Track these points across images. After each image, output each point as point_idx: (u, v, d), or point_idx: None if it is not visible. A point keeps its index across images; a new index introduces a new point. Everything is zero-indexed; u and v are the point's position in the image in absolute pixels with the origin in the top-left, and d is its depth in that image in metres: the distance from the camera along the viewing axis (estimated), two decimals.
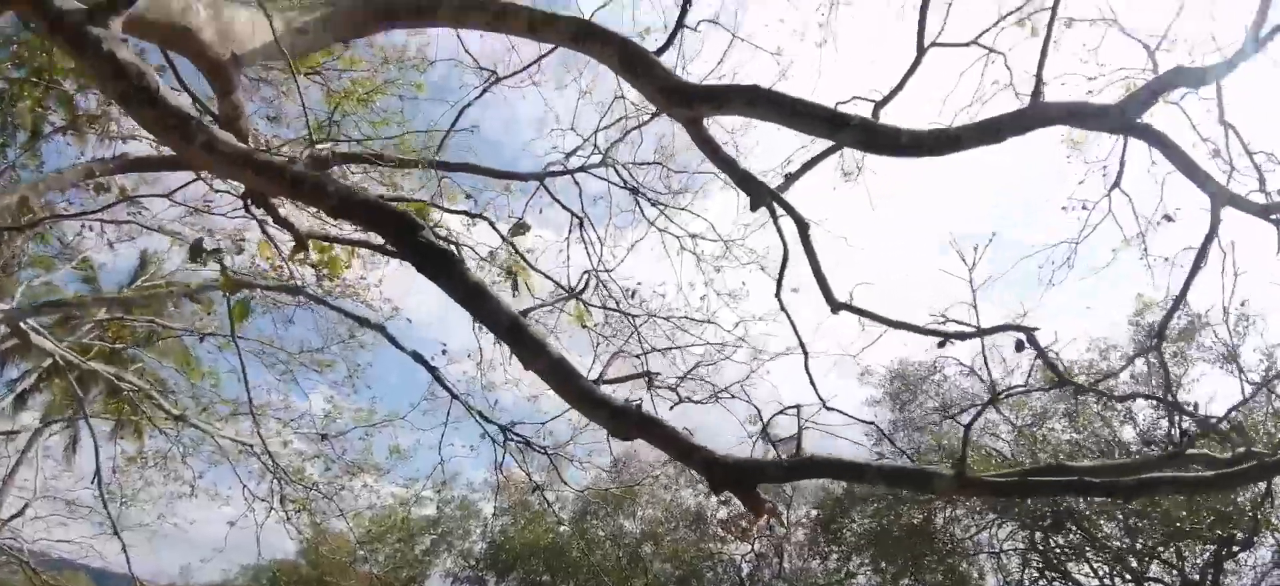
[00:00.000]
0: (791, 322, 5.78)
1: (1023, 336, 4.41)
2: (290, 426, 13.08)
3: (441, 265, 2.70)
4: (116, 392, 12.54)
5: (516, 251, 7.09)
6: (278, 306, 12.71)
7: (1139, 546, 15.15)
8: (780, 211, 5.24)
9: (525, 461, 11.01)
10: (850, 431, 4.69)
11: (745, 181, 4.85)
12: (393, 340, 9.81)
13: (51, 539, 15.17)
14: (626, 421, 3.07)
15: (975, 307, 4.34)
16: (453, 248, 2.69)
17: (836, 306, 4.66)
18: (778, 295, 5.80)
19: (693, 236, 9.73)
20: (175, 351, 17.09)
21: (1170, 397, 4.62)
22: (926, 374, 17.04)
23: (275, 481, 11.06)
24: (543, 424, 10.98)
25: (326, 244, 5.65)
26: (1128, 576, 15.83)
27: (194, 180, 9.14)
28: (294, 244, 5.66)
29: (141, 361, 13.93)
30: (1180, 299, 4.65)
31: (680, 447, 3.03)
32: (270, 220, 5.18)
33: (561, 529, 32.00)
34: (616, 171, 9.33)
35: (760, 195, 5.26)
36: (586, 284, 6.92)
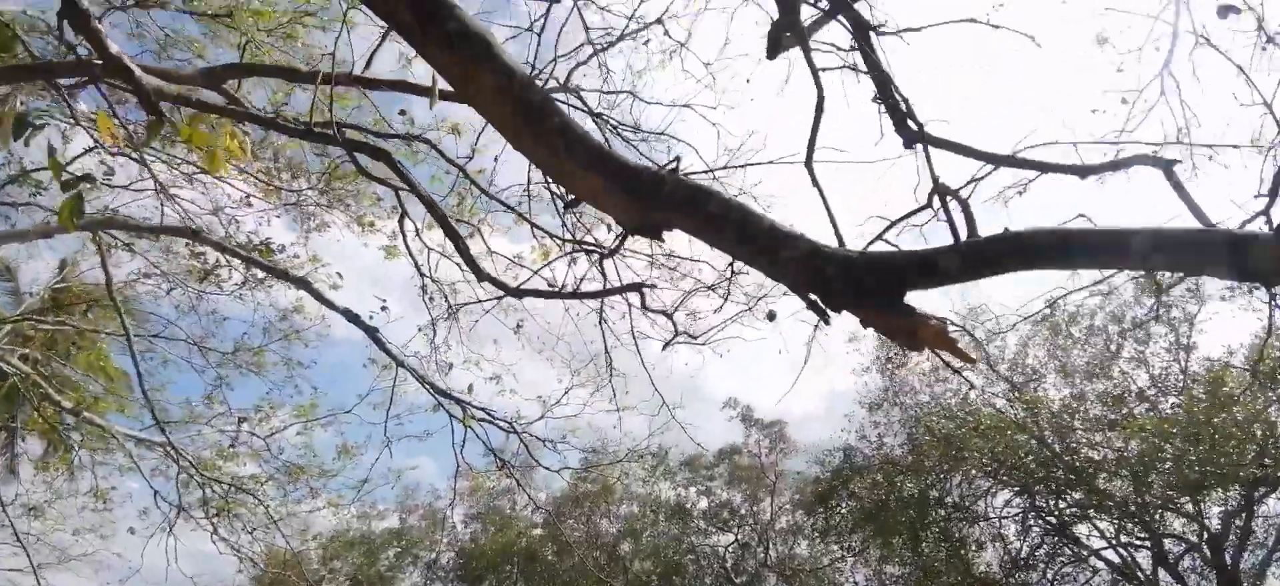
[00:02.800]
0: (825, 202, 4.45)
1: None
2: (212, 425, 11.25)
3: None
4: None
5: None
6: (201, 298, 10.98)
7: (1148, 500, 14.35)
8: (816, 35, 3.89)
9: (487, 438, 9.49)
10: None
11: None
12: (318, 296, 8.17)
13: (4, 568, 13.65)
14: (654, 196, 1.61)
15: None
16: None
17: (911, 137, 3.34)
18: (809, 163, 4.45)
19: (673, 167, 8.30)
20: (100, 366, 15.34)
21: None
22: None
23: (191, 481, 9.24)
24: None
25: (194, 122, 4.02)
26: (1143, 535, 15.00)
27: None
28: (149, 120, 4.04)
29: (28, 351, 11.93)
30: None
31: (757, 236, 1.60)
32: (96, 57, 3.57)
33: (534, 531, 30.31)
34: (580, 98, 7.90)
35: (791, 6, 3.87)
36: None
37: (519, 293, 4.54)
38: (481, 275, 4.68)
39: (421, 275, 9.26)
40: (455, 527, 31.03)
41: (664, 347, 6.74)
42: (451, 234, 4.32)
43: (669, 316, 5.88)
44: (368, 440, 15.70)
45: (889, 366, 16.20)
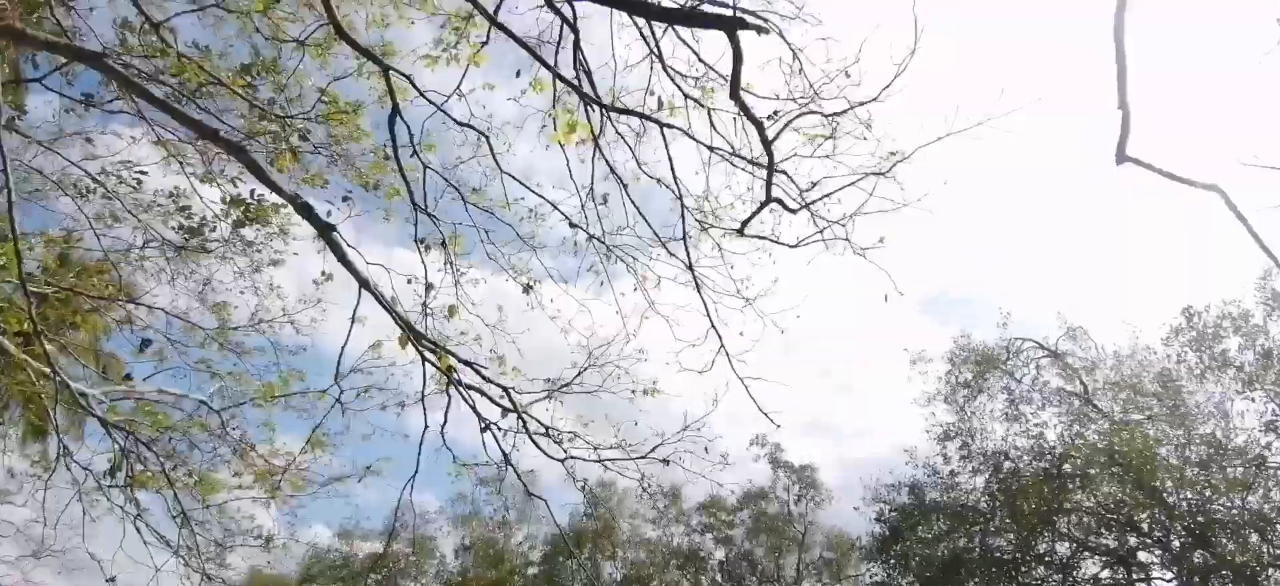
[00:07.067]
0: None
1: None
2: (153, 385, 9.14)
3: None
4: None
5: None
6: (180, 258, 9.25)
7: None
8: None
9: (474, 406, 7.24)
10: None
11: None
12: (259, 173, 6.06)
13: None
14: None
15: None
16: None
17: None
18: None
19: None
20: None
21: None
22: (1000, 356, 13.40)
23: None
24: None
25: None
26: None
27: None
28: None
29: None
30: None
31: None
32: None
33: (530, 571, 27.36)
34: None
35: None
36: None
37: None
38: None
39: (414, 206, 7.19)
40: (444, 558, 28.15)
41: (743, 225, 4.43)
42: None
43: (766, 146, 3.55)
44: (346, 435, 13.09)
45: (963, 393, 13.62)
